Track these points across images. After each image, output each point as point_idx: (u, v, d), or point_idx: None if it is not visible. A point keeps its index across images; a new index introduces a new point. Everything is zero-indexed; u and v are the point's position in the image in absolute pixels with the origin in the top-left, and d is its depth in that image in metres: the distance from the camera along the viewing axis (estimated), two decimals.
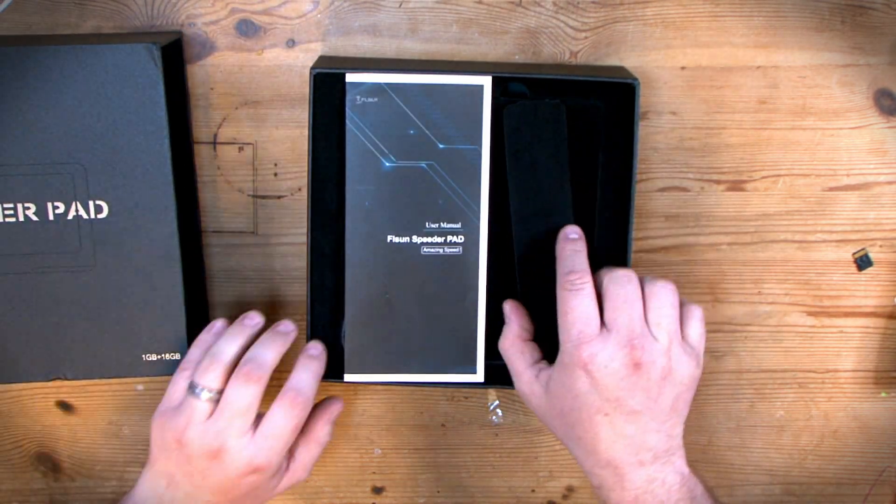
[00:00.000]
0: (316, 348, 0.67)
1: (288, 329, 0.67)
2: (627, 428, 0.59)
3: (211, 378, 0.63)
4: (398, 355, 0.69)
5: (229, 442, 0.62)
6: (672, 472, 0.60)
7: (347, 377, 0.69)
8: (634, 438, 0.59)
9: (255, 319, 0.67)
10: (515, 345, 0.65)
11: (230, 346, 0.65)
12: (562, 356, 0.60)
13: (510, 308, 0.66)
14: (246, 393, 0.62)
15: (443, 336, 0.69)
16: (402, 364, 0.69)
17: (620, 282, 0.60)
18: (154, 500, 0.65)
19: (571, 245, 0.64)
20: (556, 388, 0.61)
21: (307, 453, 0.68)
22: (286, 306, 0.75)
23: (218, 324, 0.68)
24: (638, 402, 0.59)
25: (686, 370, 0.60)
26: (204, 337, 0.68)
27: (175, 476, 0.64)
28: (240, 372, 0.63)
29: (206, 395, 0.63)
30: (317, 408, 0.69)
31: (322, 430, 0.69)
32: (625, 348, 0.58)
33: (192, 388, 0.64)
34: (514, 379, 0.65)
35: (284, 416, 0.63)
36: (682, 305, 0.62)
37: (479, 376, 0.70)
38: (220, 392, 0.63)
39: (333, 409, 0.70)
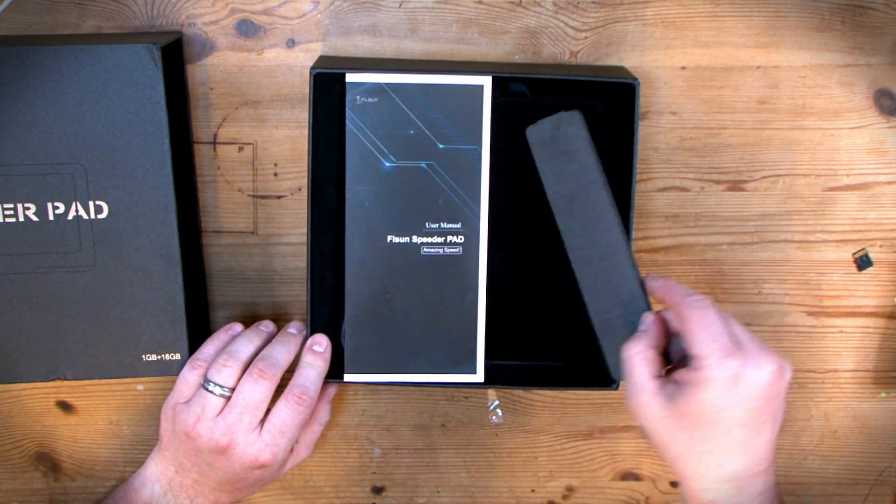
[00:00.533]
0: (320, 344, 0.68)
1: (298, 330, 0.70)
2: (758, 439, 0.59)
3: (226, 375, 0.65)
4: (398, 355, 0.69)
5: (238, 438, 0.65)
6: (772, 478, 0.61)
7: (347, 377, 0.70)
8: (759, 449, 0.59)
9: (269, 327, 0.70)
10: (645, 354, 0.61)
11: (247, 346, 0.67)
12: (701, 371, 0.57)
13: (651, 319, 0.63)
14: (258, 389, 0.65)
15: (442, 336, 0.69)
16: (402, 364, 0.69)
17: (706, 303, 0.60)
18: (163, 482, 0.68)
19: (668, 281, 0.62)
20: (688, 401, 0.58)
21: (310, 434, 0.72)
22: (286, 306, 0.75)
23: (236, 326, 0.70)
24: (770, 413, 0.59)
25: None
26: (220, 335, 0.69)
27: (184, 464, 0.67)
28: (254, 369, 0.65)
29: (219, 390, 0.65)
30: None
31: (322, 411, 0.72)
32: (768, 355, 0.58)
33: (206, 383, 0.66)
34: (633, 389, 0.60)
35: (291, 413, 0.66)
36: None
37: (479, 376, 0.70)
38: (233, 390, 0.65)
39: (330, 391, 0.73)
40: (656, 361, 0.61)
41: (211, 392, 0.65)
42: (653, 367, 0.60)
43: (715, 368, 0.57)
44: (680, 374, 0.59)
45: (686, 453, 0.60)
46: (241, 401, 0.65)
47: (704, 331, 0.58)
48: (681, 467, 0.60)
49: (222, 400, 0.65)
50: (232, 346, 0.67)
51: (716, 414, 0.58)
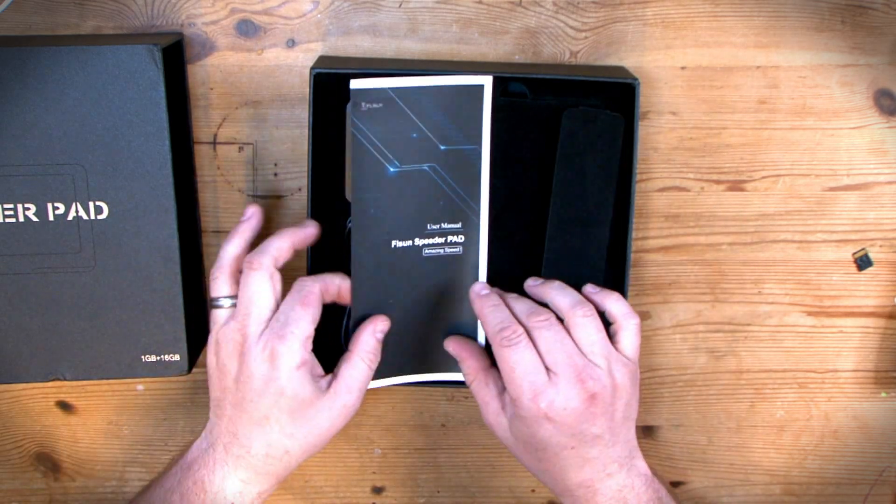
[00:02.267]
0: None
1: (307, 225, 0.65)
2: (592, 451, 0.62)
3: (220, 285, 0.63)
4: (401, 357, 0.68)
5: (249, 329, 0.61)
6: (637, 476, 0.63)
7: None
8: (599, 458, 0.62)
9: (246, 213, 0.66)
10: (478, 378, 0.65)
11: (228, 248, 0.64)
12: (518, 410, 0.61)
13: (455, 346, 0.67)
14: (251, 281, 0.61)
15: (444, 335, 0.69)
16: (405, 366, 0.69)
17: (544, 326, 0.62)
18: (204, 436, 0.65)
19: (488, 301, 0.65)
20: (518, 433, 0.63)
21: (350, 370, 0.64)
22: None
23: (247, 210, 0.67)
24: (598, 428, 0.61)
25: (627, 379, 0.63)
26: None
27: (220, 400, 0.63)
28: (244, 264, 0.62)
29: (223, 302, 0.63)
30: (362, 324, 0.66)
31: (365, 342, 0.64)
32: (576, 385, 0.60)
33: (211, 303, 0.64)
34: (482, 410, 0.65)
35: (290, 303, 0.62)
36: (617, 319, 0.64)
37: None
38: (235, 296, 0.63)
39: (378, 323, 0.65)
40: (492, 379, 0.65)
41: (219, 307, 0.63)
42: (492, 387, 0.65)
43: (525, 409, 0.61)
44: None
45: (532, 469, 0.64)
46: (241, 297, 0.62)
47: (515, 371, 0.61)
48: (536, 476, 0.65)
49: (231, 310, 0.63)
50: (218, 254, 0.64)
51: (538, 443, 0.62)
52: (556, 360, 0.61)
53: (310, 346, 0.62)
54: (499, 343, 0.61)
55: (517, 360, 0.61)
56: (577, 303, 0.63)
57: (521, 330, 0.62)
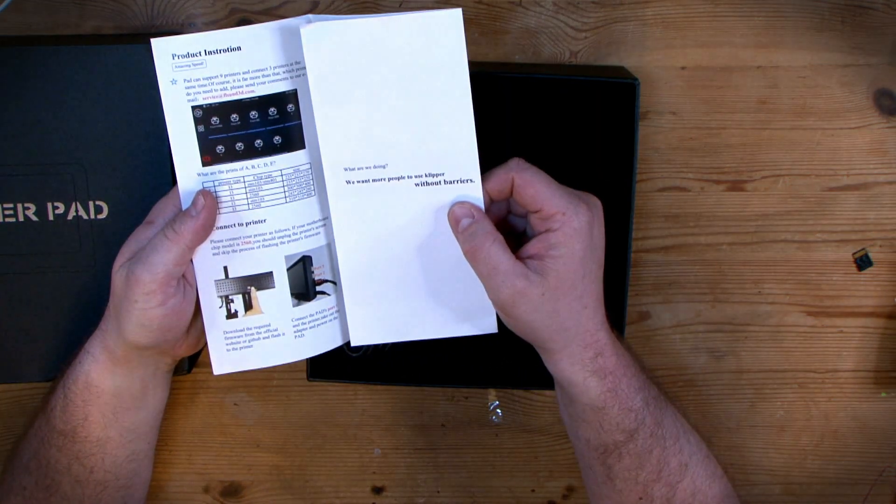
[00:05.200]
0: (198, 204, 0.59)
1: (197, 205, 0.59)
2: (602, 272, 0.60)
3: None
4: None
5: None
6: None
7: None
8: (602, 281, 0.61)
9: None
10: (498, 238, 0.58)
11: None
12: (565, 227, 0.57)
13: (465, 206, 0.59)
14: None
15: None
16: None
17: (527, 163, 0.59)
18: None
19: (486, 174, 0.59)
20: (558, 266, 0.57)
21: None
22: None
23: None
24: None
25: None
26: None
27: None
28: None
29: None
30: None
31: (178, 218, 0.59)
32: (592, 199, 0.60)
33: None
34: (502, 279, 0.57)
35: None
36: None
37: (494, 326, 0.64)
38: None
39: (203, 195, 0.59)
40: (503, 240, 0.58)
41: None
42: (508, 250, 0.58)
43: (578, 217, 0.57)
44: (537, 245, 0.58)
45: (568, 319, 0.59)
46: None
47: (548, 188, 0.57)
48: (563, 336, 0.59)
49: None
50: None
51: (585, 264, 0.58)
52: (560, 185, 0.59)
53: (125, 257, 0.60)
54: (518, 167, 0.58)
55: (542, 174, 0.58)
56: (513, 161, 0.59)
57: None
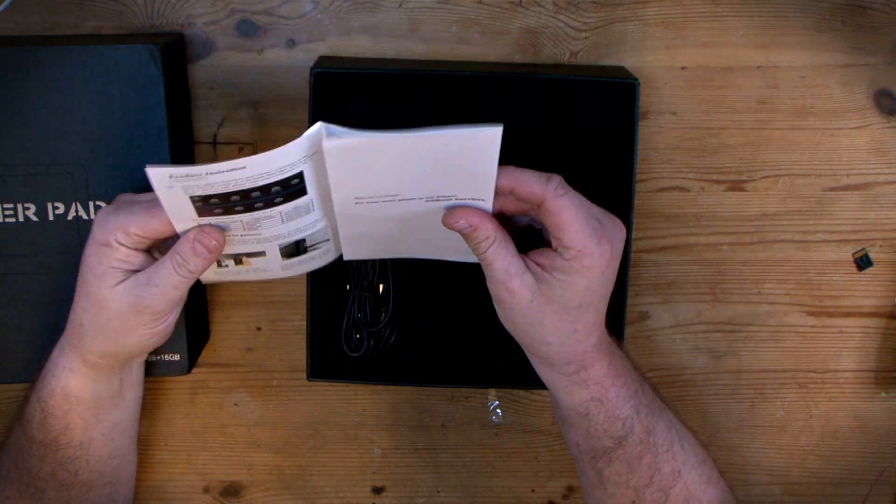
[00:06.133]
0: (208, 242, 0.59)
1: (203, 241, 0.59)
2: (606, 302, 0.60)
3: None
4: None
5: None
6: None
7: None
8: (604, 310, 0.61)
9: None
10: (498, 237, 0.58)
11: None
12: (580, 260, 0.57)
13: (464, 214, 0.58)
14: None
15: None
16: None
17: (564, 188, 0.58)
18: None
19: (510, 167, 0.58)
20: (563, 288, 0.57)
21: (158, 268, 0.60)
22: (286, 306, 0.75)
23: None
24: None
25: None
26: None
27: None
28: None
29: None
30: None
31: (180, 246, 0.59)
32: (618, 228, 0.59)
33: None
34: (499, 277, 0.58)
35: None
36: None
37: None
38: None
39: (205, 234, 0.59)
40: (511, 242, 0.59)
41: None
42: (513, 247, 0.59)
43: (593, 258, 0.57)
44: (546, 259, 0.58)
45: (552, 336, 0.59)
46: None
47: (576, 222, 0.57)
48: (544, 350, 0.60)
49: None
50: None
51: (588, 296, 0.58)
52: (593, 206, 0.59)
53: (125, 239, 0.59)
54: (554, 195, 0.56)
55: (576, 203, 0.57)
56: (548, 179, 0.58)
57: (564, 182, 0.58)
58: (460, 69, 0.68)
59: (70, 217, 0.67)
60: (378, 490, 0.80)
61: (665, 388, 0.77)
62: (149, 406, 0.77)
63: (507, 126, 0.70)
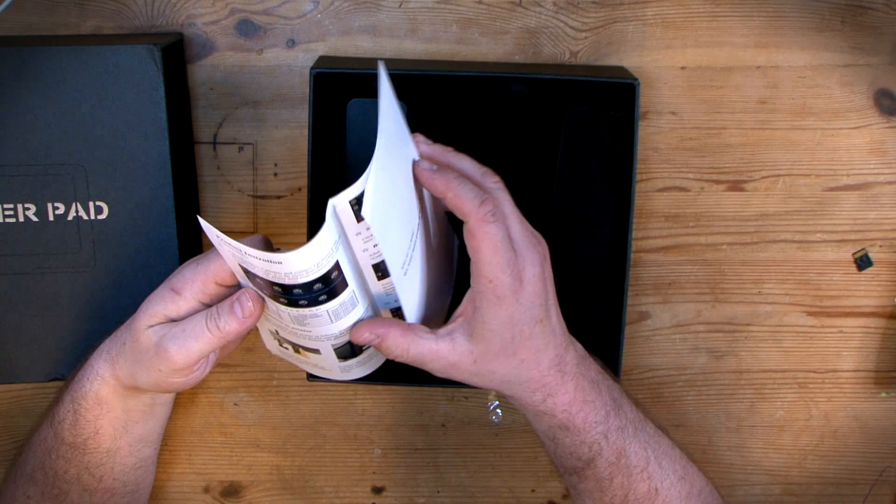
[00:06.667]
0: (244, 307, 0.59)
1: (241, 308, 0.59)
2: (552, 322, 0.60)
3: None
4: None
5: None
6: (579, 347, 0.62)
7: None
8: (556, 329, 0.60)
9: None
10: (411, 339, 0.58)
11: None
12: (495, 291, 0.56)
13: (370, 327, 0.58)
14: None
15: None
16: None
17: (502, 192, 0.58)
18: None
19: (449, 175, 0.57)
20: (490, 334, 0.58)
21: (193, 323, 0.59)
22: None
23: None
24: (552, 297, 0.60)
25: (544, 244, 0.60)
26: None
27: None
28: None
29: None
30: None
31: (221, 313, 0.59)
32: (535, 252, 0.58)
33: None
34: (434, 361, 0.58)
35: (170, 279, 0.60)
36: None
37: None
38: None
39: (244, 297, 0.58)
40: (422, 331, 0.59)
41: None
42: (430, 335, 0.59)
43: (504, 288, 0.56)
44: (463, 305, 0.59)
45: (507, 375, 0.59)
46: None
47: (493, 254, 0.56)
48: (507, 388, 0.60)
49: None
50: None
51: (514, 327, 0.58)
52: (516, 230, 0.58)
53: (156, 319, 0.59)
54: (481, 219, 0.56)
55: (498, 235, 0.56)
56: (491, 181, 0.59)
57: (496, 202, 0.57)
58: (460, 69, 0.68)
59: (70, 217, 0.67)
60: (378, 490, 0.80)
61: (665, 388, 0.77)
62: None
63: (507, 126, 0.70)
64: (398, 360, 0.59)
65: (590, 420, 0.60)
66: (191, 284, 0.59)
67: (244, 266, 0.55)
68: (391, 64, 0.69)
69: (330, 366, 0.62)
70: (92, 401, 0.63)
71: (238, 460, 0.79)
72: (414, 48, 0.70)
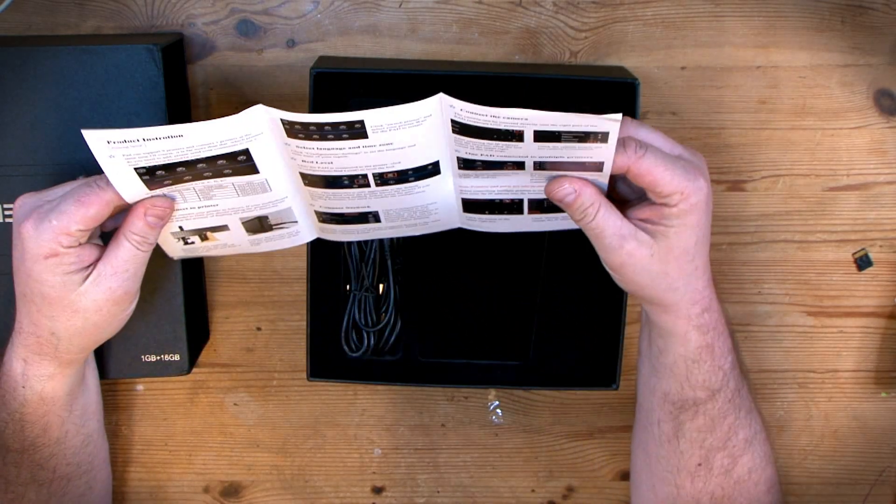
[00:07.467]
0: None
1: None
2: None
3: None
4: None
5: (25, 207, 0.60)
6: None
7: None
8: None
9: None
10: (603, 203, 0.58)
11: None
12: (684, 202, 0.57)
13: (566, 182, 0.59)
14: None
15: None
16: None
17: (646, 152, 0.58)
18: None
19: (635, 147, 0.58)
20: (677, 235, 0.58)
21: (115, 250, 0.59)
22: (286, 306, 0.75)
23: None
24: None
25: None
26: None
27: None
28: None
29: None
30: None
31: (131, 223, 0.59)
32: (702, 160, 0.59)
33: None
34: (614, 240, 0.58)
35: (69, 194, 0.58)
36: None
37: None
38: None
39: (150, 204, 0.59)
40: (612, 206, 0.59)
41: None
42: (617, 211, 0.59)
43: (698, 193, 0.57)
44: (649, 212, 0.58)
45: (677, 280, 0.59)
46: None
47: (667, 172, 0.56)
48: (671, 295, 0.60)
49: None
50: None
51: (702, 229, 0.58)
52: (675, 146, 0.59)
53: (70, 241, 0.57)
54: (635, 158, 0.56)
55: (659, 158, 0.57)
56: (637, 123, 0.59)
57: (637, 141, 0.57)
58: (460, 69, 0.68)
59: None
60: (378, 490, 0.80)
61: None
62: (149, 406, 0.77)
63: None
64: (580, 220, 0.59)
65: (726, 347, 0.61)
66: (68, 236, 0.57)
67: (142, 165, 0.55)
68: (391, 64, 0.69)
69: (239, 240, 0.64)
70: (35, 404, 0.62)
71: (238, 460, 0.79)
72: (414, 48, 0.70)
